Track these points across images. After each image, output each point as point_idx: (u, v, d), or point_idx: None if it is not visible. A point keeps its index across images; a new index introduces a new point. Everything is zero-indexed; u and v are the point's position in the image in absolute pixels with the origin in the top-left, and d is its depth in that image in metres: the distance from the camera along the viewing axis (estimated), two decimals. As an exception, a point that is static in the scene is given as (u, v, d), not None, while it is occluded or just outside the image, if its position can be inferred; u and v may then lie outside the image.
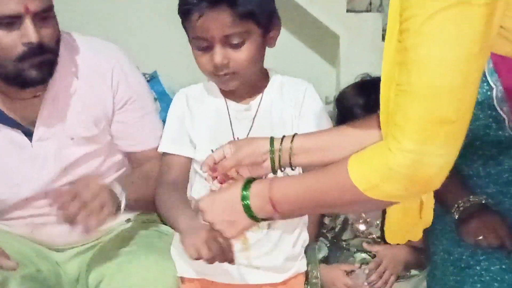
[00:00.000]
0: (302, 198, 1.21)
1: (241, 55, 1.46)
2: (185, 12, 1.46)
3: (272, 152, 1.34)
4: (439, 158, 1.02)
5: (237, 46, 1.46)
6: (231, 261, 1.36)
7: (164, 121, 1.69)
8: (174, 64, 2.39)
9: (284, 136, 1.34)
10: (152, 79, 2.74)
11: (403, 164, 1.03)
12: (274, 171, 1.35)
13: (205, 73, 1.52)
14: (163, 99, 2.34)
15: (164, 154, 1.60)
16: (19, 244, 1.66)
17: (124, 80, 1.73)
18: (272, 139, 1.34)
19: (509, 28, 1.06)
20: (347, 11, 3.44)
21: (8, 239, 1.66)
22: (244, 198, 1.21)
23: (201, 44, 1.46)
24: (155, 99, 2.57)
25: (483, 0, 0.96)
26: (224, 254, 1.34)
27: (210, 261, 1.33)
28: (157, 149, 1.66)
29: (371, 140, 1.20)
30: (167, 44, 2.65)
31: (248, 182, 1.22)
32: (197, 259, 1.34)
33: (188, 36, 1.50)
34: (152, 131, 1.75)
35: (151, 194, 1.63)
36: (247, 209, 1.20)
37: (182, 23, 1.50)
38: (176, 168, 1.57)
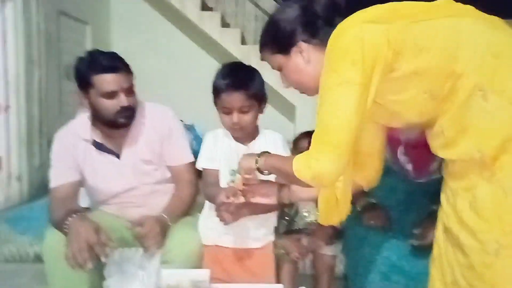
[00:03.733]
0: (276, 165, 1.23)
1: (247, 118, 1.50)
2: (218, 91, 1.49)
3: None
4: (326, 164, 1.04)
5: (245, 113, 1.49)
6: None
7: (197, 151, 1.68)
8: (204, 118, 2.39)
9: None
10: (190, 127, 2.76)
11: (309, 161, 1.06)
12: None
13: (225, 126, 1.54)
14: (197, 140, 2.32)
15: (204, 169, 1.58)
16: (112, 220, 1.64)
17: (168, 125, 1.71)
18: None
19: (384, 105, 1.08)
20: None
21: (106, 217, 1.65)
22: (256, 162, 1.27)
23: (226, 111, 1.49)
24: (192, 139, 2.58)
25: (358, 81, 0.99)
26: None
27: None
28: (186, 164, 1.69)
29: None
30: (200, 106, 2.67)
31: (261, 154, 1.29)
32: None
33: (216, 105, 1.52)
34: (182, 155, 1.72)
35: (185, 213, 1.65)
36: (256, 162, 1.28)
37: (214, 97, 1.52)
38: (211, 176, 1.55)
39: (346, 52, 1.00)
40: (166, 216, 1.55)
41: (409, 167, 1.63)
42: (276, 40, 1.17)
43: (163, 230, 1.50)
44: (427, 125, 1.09)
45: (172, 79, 5.08)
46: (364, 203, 1.63)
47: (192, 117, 2.91)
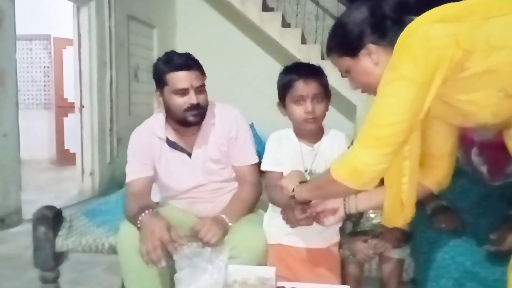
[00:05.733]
0: (311, 184, 1.28)
1: (321, 107, 1.49)
2: (290, 81, 1.48)
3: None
4: (366, 157, 1.02)
5: (319, 102, 1.49)
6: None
7: (257, 150, 1.73)
8: (263, 118, 2.40)
9: None
10: (250, 126, 2.79)
11: (347, 157, 1.06)
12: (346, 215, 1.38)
13: (297, 120, 1.51)
14: (255, 139, 2.35)
15: (268, 171, 1.58)
16: (181, 216, 1.71)
17: (236, 127, 1.75)
18: None
19: (455, 105, 1.05)
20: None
21: (176, 212, 1.73)
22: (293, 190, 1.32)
23: (299, 100, 1.47)
24: (252, 138, 2.63)
25: (416, 78, 0.97)
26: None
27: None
28: (250, 165, 1.73)
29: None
30: (260, 105, 2.69)
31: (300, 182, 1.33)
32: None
33: (286, 99, 1.50)
34: (247, 156, 1.76)
35: (245, 213, 1.66)
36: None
37: (284, 91, 1.50)
38: (276, 179, 1.50)
39: (410, 50, 0.99)
40: (224, 216, 1.58)
41: (484, 169, 1.57)
42: (344, 43, 1.15)
43: (221, 228, 1.51)
44: (504, 126, 1.05)
45: (233, 79, 5.19)
46: (435, 205, 1.57)
47: (251, 116, 2.97)
